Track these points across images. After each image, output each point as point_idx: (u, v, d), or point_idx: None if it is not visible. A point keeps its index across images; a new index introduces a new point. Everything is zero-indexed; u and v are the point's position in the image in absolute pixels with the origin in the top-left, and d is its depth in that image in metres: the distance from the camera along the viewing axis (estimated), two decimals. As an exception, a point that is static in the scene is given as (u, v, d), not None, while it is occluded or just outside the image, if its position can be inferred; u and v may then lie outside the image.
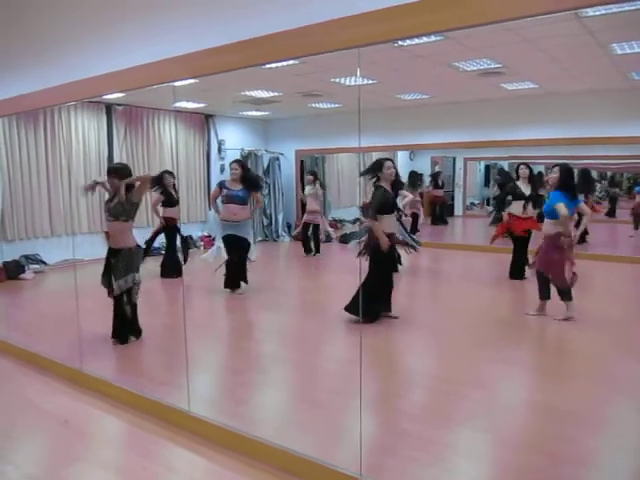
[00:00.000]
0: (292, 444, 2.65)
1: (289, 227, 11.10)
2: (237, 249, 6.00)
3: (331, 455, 2.58)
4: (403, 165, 11.59)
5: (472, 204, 12.24)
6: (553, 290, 4.84)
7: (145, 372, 4.01)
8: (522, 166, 6.50)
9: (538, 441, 2.82)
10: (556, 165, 4.86)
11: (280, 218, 10.89)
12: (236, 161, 6.33)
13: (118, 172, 4.28)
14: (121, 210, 4.21)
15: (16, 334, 4.59)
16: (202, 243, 9.61)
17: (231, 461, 2.70)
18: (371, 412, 3.05)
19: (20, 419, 3.22)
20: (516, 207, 6.39)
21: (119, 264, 4.19)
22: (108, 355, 4.23)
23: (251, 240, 6.13)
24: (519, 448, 2.79)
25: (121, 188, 4.20)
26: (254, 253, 6.14)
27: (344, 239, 10.23)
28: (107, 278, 4.27)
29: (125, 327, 4.35)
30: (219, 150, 10.35)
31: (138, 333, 4.43)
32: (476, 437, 2.96)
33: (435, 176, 11.44)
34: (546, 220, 4.77)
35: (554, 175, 4.76)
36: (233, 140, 10.55)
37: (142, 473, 2.64)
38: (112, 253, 4.28)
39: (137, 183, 4.29)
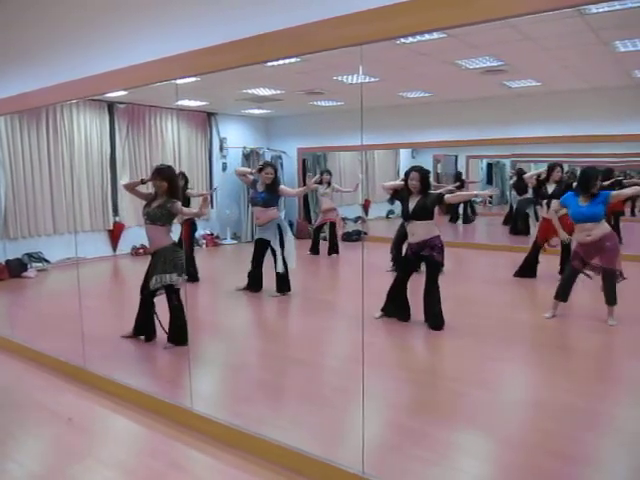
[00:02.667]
0: (295, 442, 2.65)
1: (291, 225, 11.09)
2: (261, 252, 6.00)
3: (334, 453, 2.58)
4: (405, 163, 11.58)
5: (474, 202, 12.21)
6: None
7: (149, 370, 4.01)
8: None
9: (544, 440, 2.82)
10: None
11: (282, 216, 10.87)
12: (270, 165, 6.13)
13: (163, 173, 4.18)
14: (159, 215, 4.14)
15: (19, 332, 4.60)
16: (204, 241, 9.62)
17: (235, 459, 2.71)
18: (374, 410, 3.06)
19: (23, 417, 3.23)
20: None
21: (159, 260, 4.14)
22: (112, 353, 4.23)
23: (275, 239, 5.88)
24: (524, 447, 2.78)
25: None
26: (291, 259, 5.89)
27: (346, 237, 10.25)
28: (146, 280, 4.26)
29: (152, 324, 4.34)
30: (221, 148, 10.36)
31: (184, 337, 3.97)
32: (481, 436, 2.95)
33: (458, 175, 11.42)
34: (592, 224, 4.56)
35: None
36: (235, 138, 10.56)
37: (146, 471, 2.65)
38: (152, 256, 4.26)
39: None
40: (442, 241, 4.65)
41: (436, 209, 4.71)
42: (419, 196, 4.62)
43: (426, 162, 11.26)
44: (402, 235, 5.60)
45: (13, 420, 3.19)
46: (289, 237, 5.99)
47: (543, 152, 9.10)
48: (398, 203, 4.88)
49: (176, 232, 6.59)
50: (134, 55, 3.18)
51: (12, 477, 2.61)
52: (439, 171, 12.07)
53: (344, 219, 11.56)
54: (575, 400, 3.30)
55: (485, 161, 12.19)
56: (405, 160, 11.49)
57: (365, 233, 8.37)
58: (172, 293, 4.19)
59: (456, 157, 11.75)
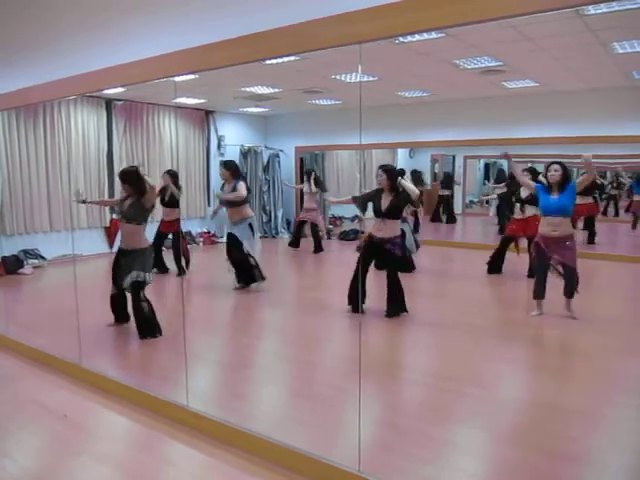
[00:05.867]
0: (290, 439, 2.65)
1: (288, 224, 11.09)
2: (234, 247, 5.99)
3: (329, 451, 2.58)
4: (403, 163, 11.60)
5: (471, 202, 12.25)
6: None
7: (144, 367, 4.01)
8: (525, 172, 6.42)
9: (538, 439, 2.82)
10: (555, 163, 4.81)
11: (279, 215, 10.89)
12: (222, 164, 6.14)
13: (128, 177, 4.31)
14: (133, 213, 4.25)
15: (15, 329, 4.59)
16: (201, 239, 9.61)
17: (229, 456, 2.71)
18: (370, 408, 3.06)
19: (18, 413, 3.22)
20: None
21: (133, 262, 4.22)
22: (107, 350, 4.23)
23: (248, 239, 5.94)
24: (518, 446, 2.79)
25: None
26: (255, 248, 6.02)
27: (343, 236, 10.27)
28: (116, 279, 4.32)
29: (147, 323, 4.34)
30: (219, 146, 10.35)
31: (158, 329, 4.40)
32: (475, 434, 2.96)
33: (448, 176, 11.52)
34: (561, 219, 4.69)
35: (556, 173, 4.74)
36: (233, 136, 10.55)
37: (140, 467, 2.64)
38: (123, 253, 4.32)
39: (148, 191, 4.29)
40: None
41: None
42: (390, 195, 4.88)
43: (424, 162, 11.32)
44: None
45: (8, 416, 3.18)
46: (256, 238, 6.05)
47: (540, 153, 9.12)
48: None
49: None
50: (133, 52, 3.17)
51: (6, 473, 2.60)
52: (436, 170, 12.11)
53: (341, 218, 11.59)
54: (569, 399, 3.32)
55: (482, 161, 12.23)
56: (403, 159, 11.50)
57: (362, 232, 8.39)
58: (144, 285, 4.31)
59: (454, 157, 11.78)
